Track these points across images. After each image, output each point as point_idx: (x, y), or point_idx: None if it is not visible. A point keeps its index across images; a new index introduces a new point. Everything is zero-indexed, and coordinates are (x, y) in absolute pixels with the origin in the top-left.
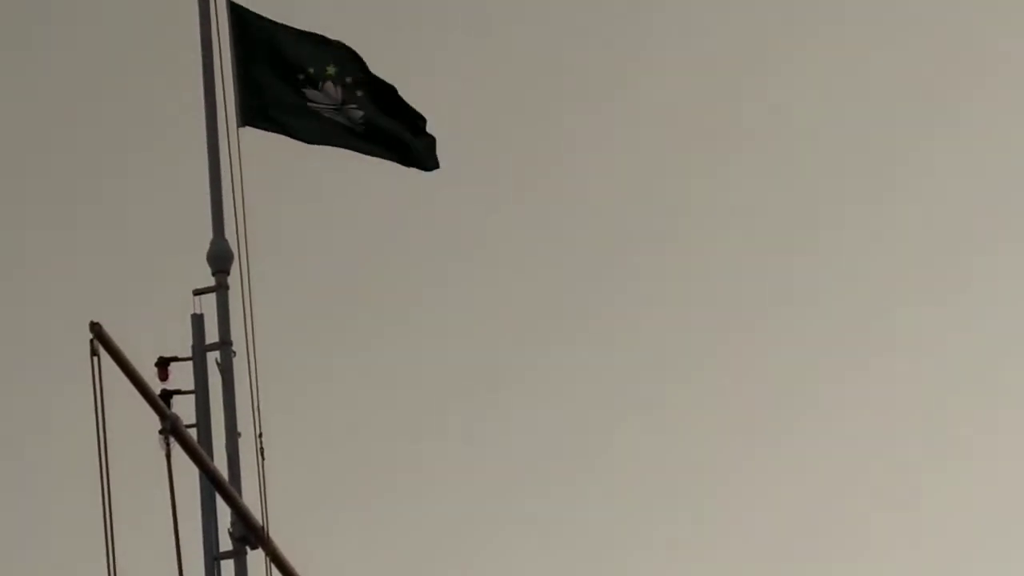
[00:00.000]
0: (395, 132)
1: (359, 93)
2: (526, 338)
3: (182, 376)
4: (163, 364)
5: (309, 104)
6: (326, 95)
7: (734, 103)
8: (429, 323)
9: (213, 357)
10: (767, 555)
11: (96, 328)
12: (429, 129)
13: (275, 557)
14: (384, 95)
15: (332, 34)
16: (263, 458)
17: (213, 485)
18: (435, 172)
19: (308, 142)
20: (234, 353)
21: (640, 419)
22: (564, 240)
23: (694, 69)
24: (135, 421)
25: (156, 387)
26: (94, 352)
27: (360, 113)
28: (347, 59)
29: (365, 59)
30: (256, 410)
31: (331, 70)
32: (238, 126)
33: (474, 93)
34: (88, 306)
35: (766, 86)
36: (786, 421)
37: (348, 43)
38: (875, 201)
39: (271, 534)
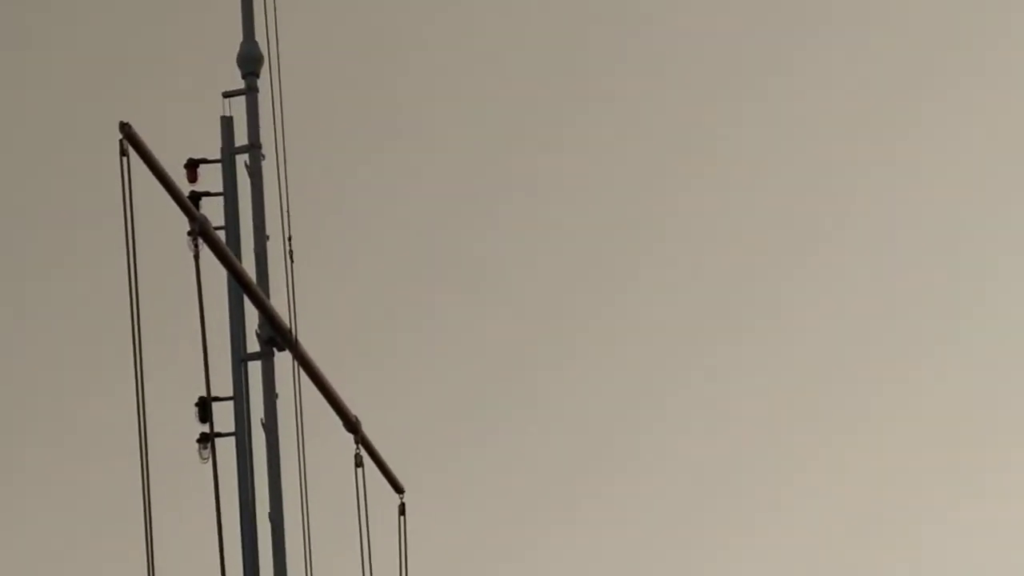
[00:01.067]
0: None
1: None
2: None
3: (211, 178)
4: (192, 166)
5: None
6: None
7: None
8: (456, 132)
9: (242, 160)
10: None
11: (126, 128)
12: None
13: (303, 360)
14: None
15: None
16: (292, 261)
17: (241, 287)
18: None
19: None
20: (263, 156)
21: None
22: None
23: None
24: (164, 222)
25: (185, 188)
26: (123, 152)
27: None
28: None
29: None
30: (285, 213)
31: None
32: None
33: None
34: (118, 107)
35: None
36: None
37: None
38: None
39: (299, 338)
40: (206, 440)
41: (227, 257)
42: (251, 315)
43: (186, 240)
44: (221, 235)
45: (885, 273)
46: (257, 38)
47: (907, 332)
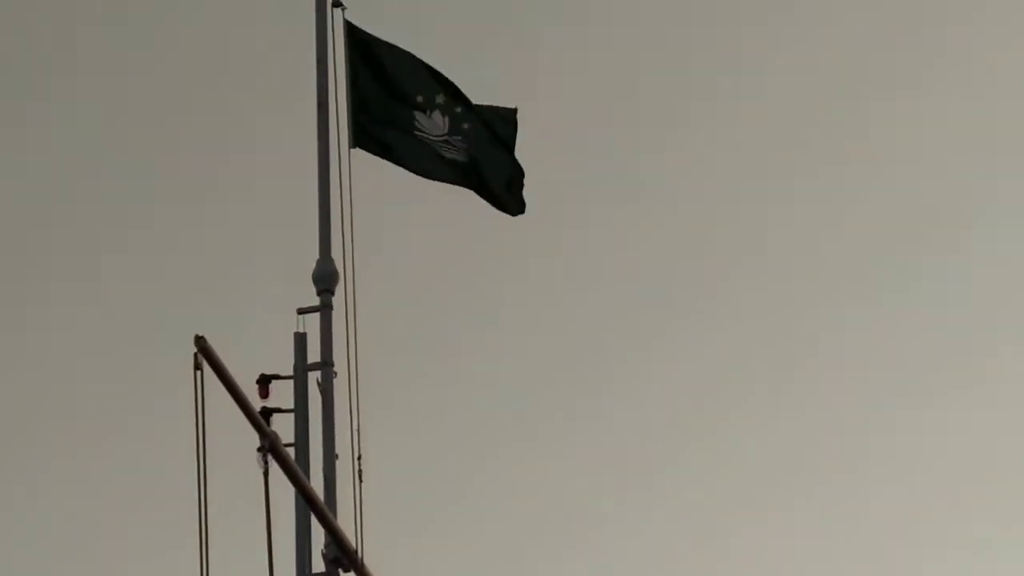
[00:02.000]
0: (493, 171)
1: (465, 126)
2: (613, 350)
3: (283, 394)
4: (264, 382)
5: (416, 132)
6: (433, 124)
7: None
8: (531, 347)
9: (314, 377)
10: None
11: (201, 342)
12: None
13: None
14: (488, 130)
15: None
16: (360, 480)
17: (308, 505)
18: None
19: (412, 171)
20: (335, 374)
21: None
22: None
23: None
24: (235, 437)
25: (257, 404)
26: (198, 366)
27: (464, 146)
28: (455, 91)
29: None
30: (355, 432)
31: (440, 99)
32: (349, 147)
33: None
34: (194, 320)
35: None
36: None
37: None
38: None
39: (365, 558)
40: None
41: (296, 475)
42: (317, 533)
43: (256, 455)
44: (291, 452)
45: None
46: (333, 255)
47: None
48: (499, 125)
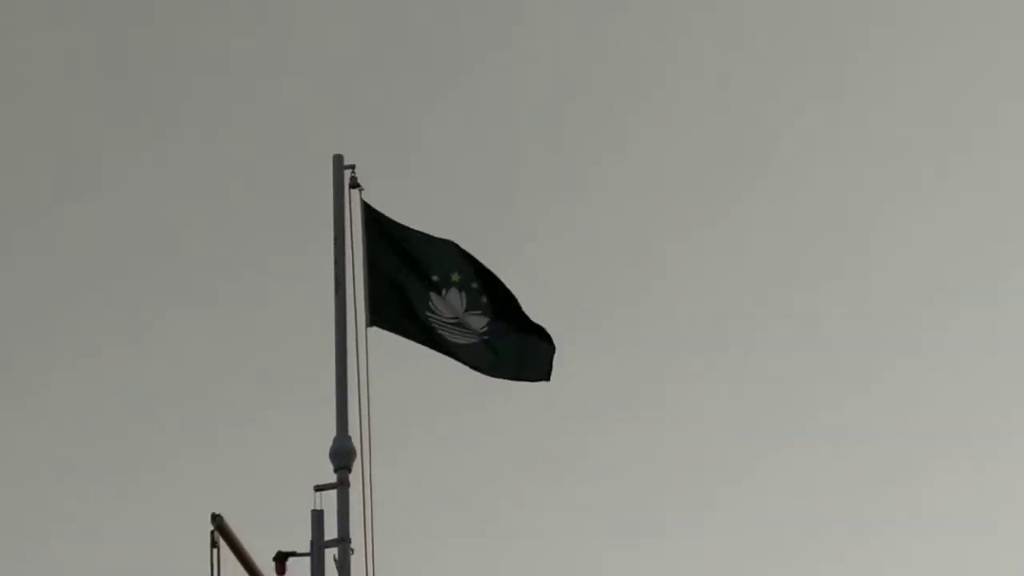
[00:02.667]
0: (517, 341)
1: (484, 299)
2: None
3: (300, 571)
4: (281, 559)
5: (428, 315)
6: (448, 305)
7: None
8: (547, 527)
9: (331, 554)
10: None
11: (217, 520)
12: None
13: None
14: (507, 302)
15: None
16: None
17: None
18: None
19: (430, 347)
20: (352, 551)
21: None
22: None
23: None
24: None
25: None
26: (214, 544)
27: (484, 320)
28: (471, 267)
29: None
30: None
31: (456, 277)
32: (367, 325)
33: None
34: (211, 498)
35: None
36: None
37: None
38: None
39: None
40: None
41: None
42: None
43: None
44: None
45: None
46: (350, 432)
47: None
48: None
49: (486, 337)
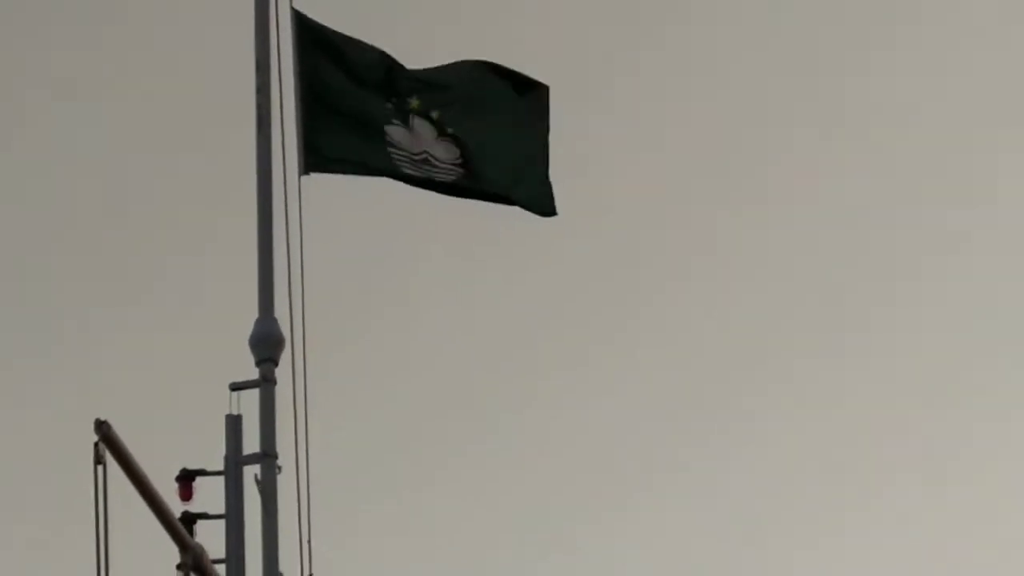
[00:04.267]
0: (502, 171)
1: (450, 130)
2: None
3: (211, 495)
4: (187, 478)
5: (390, 150)
6: (412, 136)
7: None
8: (511, 435)
9: (252, 472)
10: None
11: (103, 428)
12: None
13: None
14: (483, 116)
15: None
16: None
17: None
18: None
19: (391, 177)
20: (279, 468)
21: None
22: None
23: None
24: (147, 551)
25: (177, 508)
26: (99, 460)
27: (456, 151)
28: (434, 84)
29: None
30: (306, 544)
31: (415, 103)
32: (300, 174)
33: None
34: (95, 400)
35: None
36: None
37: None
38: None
39: None
40: None
41: None
42: None
43: None
44: (220, 571)
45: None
46: (277, 315)
47: None
48: (509, 106)
49: (462, 168)
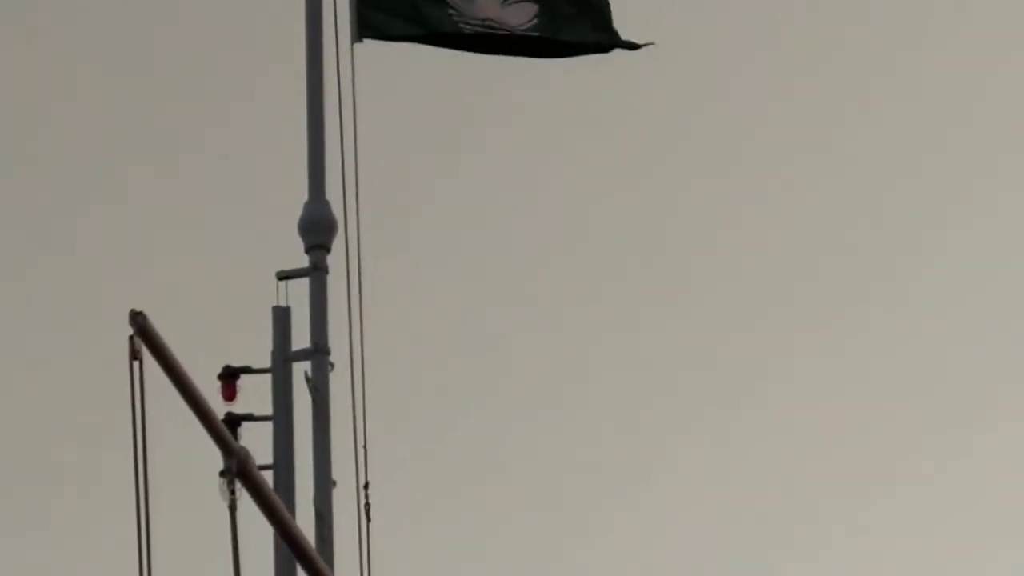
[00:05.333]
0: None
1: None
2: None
3: (257, 394)
4: (230, 376)
5: (451, 12)
6: (475, 3)
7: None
8: (576, 343)
9: (302, 369)
10: None
11: (138, 320)
12: None
13: None
14: None
15: None
16: (368, 519)
17: (292, 551)
18: None
19: (453, 42)
20: (331, 365)
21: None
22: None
23: None
24: (189, 455)
25: (220, 409)
26: (135, 355)
27: (533, 8)
28: None
29: None
30: (361, 449)
31: None
32: (352, 41)
33: None
34: (130, 292)
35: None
36: None
37: None
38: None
39: None
40: None
41: (275, 510)
42: None
43: (219, 483)
44: (267, 477)
45: None
46: (329, 197)
47: None
48: None
49: (535, 32)
